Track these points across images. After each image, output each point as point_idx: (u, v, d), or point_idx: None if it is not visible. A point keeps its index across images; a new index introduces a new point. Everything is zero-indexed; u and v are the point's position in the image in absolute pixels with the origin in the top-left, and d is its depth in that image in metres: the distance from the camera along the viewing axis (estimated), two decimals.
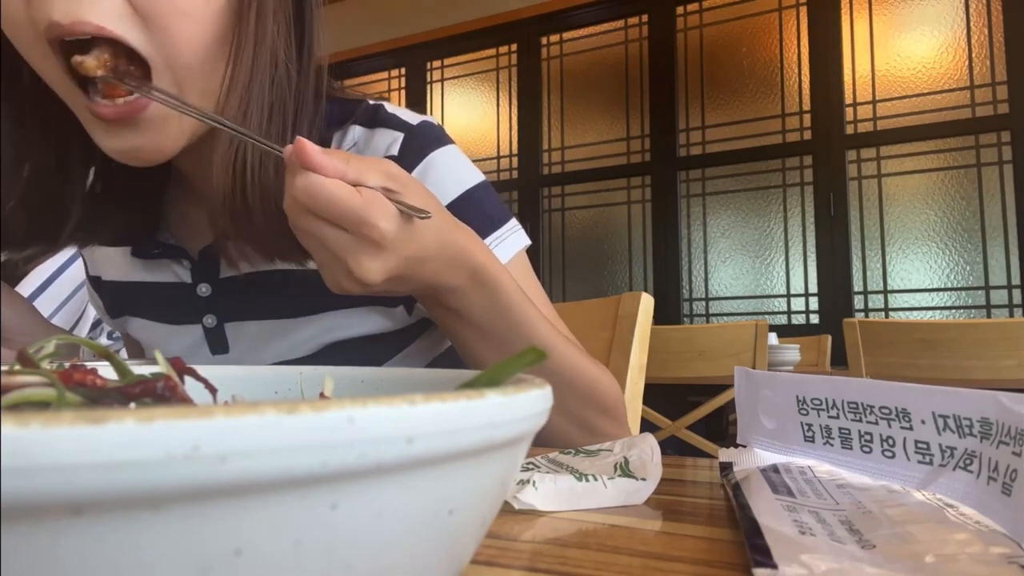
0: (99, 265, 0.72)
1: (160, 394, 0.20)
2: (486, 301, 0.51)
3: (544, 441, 0.57)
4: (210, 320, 0.64)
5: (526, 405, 0.17)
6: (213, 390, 0.26)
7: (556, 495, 0.35)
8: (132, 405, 0.19)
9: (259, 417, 0.12)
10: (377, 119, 0.62)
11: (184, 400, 0.21)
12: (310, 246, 0.44)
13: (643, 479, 0.37)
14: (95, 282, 0.73)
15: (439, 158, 0.61)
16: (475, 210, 0.60)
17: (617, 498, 0.36)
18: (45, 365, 0.22)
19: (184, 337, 0.66)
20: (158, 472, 0.11)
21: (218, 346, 0.65)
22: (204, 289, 0.64)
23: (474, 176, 0.63)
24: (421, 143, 0.61)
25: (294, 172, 0.41)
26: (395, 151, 0.60)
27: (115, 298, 0.70)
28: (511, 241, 0.62)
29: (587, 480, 0.36)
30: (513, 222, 0.64)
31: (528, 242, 0.65)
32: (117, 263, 0.69)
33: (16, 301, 0.65)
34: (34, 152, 0.57)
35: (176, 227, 0.66)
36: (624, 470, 0.37)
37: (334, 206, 0.41)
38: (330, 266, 0.44)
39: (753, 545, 0.27)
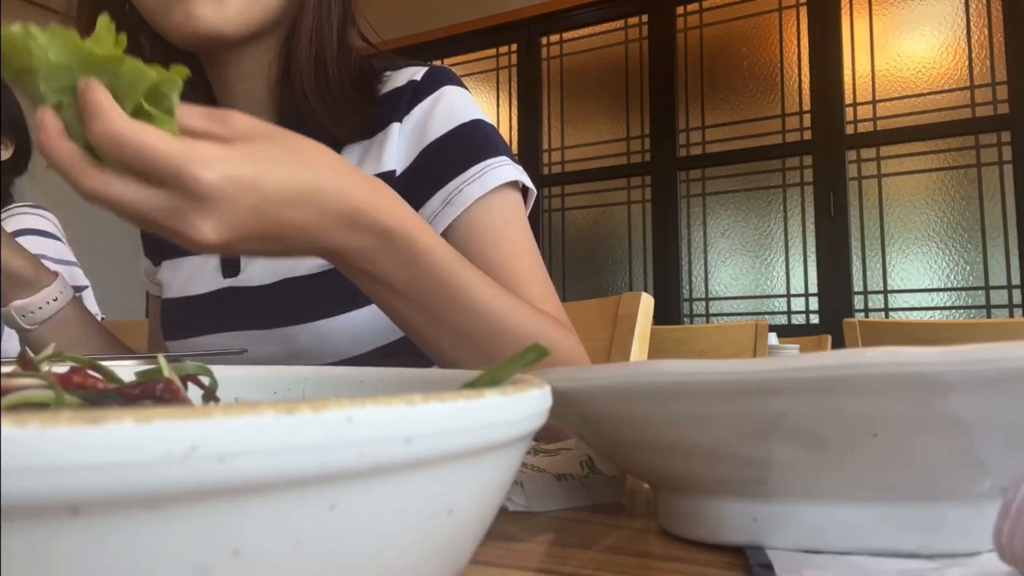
0: None
1: (159, 396, 0.20)
2: (403, 264, 0.46)
3: None
4: None
5: (525, 405, 0.17)
6: (215, 399, 0.26)
7: (545, 495, 0.35)
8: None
9: (258, 417, 0.12)
10: (404, 62, 0.70)
11: (184, 402, 0.21)
12: (129, 215, 0.37)
13: (613, 476, 0.37)
14: (147, 233, 0.77)
15: (451, 92, 0.66)
16: (465, 142, 0.63)
17: (595, 496, 0.37)
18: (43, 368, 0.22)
19: (204, 267, 0.70)
20: (156, 472, 0.11)
21: (230, 269, 0.69)
22: None
23: (478, 113, 0.66)
24: (441, 76, 0.67)
25: (92, 116, 0.34)
26: (418, 77, 0.67)
27: (159, 237, 0.75)
28: (491, 175, 0.62)
29: (565, 480, 0.36)
30: (503, 157, 0.63)
31: (516, 177, 0.63)
32: None
33: (16, 246, 0.66)
34: None
35: None
36: (592, 468, 0.38)
37: (143, 154, 0.34)
38: (162, 231, 0.37)
39: (756, 563, 0.27)
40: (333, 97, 0.63)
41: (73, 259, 1.19)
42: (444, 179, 0.63)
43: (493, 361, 0.48)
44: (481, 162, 0.62)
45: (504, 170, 0.63)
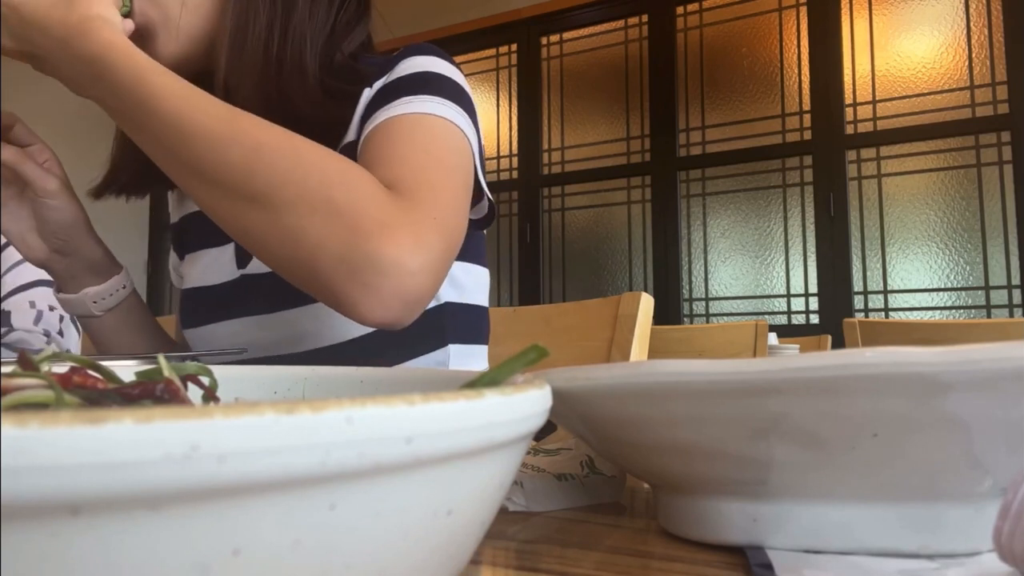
0: (175, 208, 0.81)
1: (159, 396, 0.20)
2: (111, 90, 0.49)
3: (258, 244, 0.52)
4: None
5: (525, 405, 0.17)
6: (215, 398, 0.26)
7: (545, 495, 0.35)
8: None
9: (258, 417, 0.12)
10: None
11: (184, 402, 0.21)
12: None
13: (613, 476, 0.37)
14: (174, 228, 0.82)
15: (424, 57, 0.66)
16: (407, 83, 0.62)
17: (595, 495, 0.37)
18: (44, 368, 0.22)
19: (220, 259, 0.72)
20: (156, 472, 0.11)
21: (243, 259, 0.70)
22: None
23: (441, 69, 0.65)
24: (421, 47, 0.67)
25: None
26: (397, 53, 0.67)
27: (183, 231, 0.79)
28: (414, 105, 0.59)
29: (565, 480, 0.36)
30: (437, 98, 0.60)
31: (443, 114, 0.59)
32: (187, 200, 0.79)
33: (95, 236, 0.70)
34: None
35: None
36: (592, 468, 0.38)
37: None
38: None
39: (756, 562, 0.27)
40: (301, 96, 0.62)
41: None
42: (373, 112, 0.62)
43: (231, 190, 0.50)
44: (410, 96, 0.60)
45: (430, 104, 0.59)
